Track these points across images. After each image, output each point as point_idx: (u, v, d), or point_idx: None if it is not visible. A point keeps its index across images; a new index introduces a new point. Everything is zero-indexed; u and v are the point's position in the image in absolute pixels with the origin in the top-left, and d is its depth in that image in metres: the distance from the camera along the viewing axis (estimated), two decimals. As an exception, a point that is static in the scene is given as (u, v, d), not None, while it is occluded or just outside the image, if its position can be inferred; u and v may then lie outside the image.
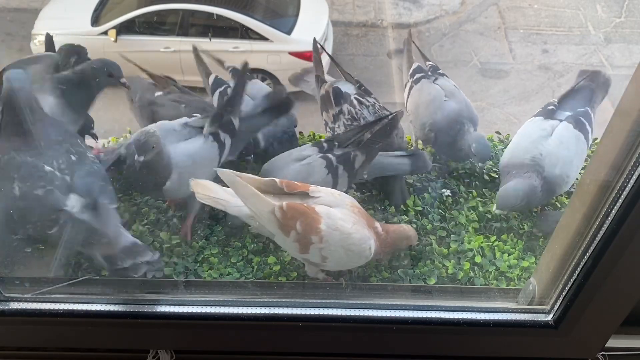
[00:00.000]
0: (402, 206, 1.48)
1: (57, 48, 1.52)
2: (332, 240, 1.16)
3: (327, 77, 1.61)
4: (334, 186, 1.33)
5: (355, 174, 1.37)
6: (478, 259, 1.36)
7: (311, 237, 1.15)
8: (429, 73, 1.63)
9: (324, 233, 1.15)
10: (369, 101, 1.51)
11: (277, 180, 1.18)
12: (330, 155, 1.35)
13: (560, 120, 1.44)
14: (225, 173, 1.14)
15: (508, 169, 1.41)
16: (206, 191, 1.20)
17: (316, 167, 1.33)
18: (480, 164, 1.54)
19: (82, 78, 1.37)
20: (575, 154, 1.40)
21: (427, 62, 1.67)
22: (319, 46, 1.64)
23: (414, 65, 1.66)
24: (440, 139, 1.53)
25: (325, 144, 1.38)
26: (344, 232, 1.16)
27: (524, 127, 1.49)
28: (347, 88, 1.56)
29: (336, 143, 1.38)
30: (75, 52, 1.60)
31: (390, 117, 1.41)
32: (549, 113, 1.47)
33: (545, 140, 1.40)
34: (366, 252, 1.19)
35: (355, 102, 1.50)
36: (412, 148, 1.60)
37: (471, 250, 1.38)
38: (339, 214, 1.18)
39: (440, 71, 1.64)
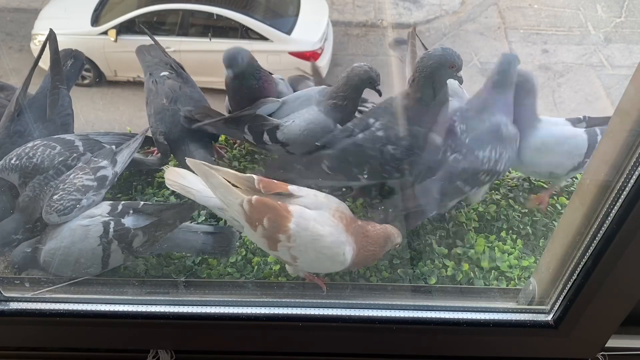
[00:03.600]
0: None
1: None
2: (300, 241, 1.13)
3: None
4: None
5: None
6: (481, 263, 1.36)
7: (278, 235, 1.12)
8: None
9: (292, 232, 1.12)
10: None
11: (255, 178, 1.17)
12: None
13: None
14: (194, 163, 1.13)
15: None
16: (178, 178, 1.20)
17: None
18: None
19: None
20: None
21: None
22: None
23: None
24: None
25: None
26: (315, 234, 1.13)
27: None
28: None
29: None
30: (72, 56, 1.60)
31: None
32: None
33: None
34: (340, 257, 1.15)
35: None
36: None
37: (475, 252, 1.38)
38: (315, 215, 1.15)
39: None
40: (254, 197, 1.13)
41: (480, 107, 1.35)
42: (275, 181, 1.19)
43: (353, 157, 1.33)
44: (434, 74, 1.25)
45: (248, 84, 1.45)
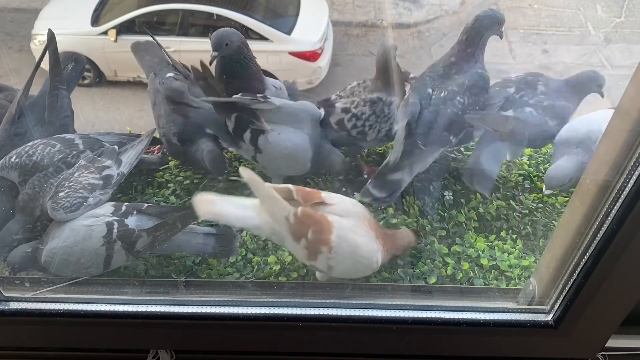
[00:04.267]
0: (402, 206, 1.48)
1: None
2: (340, 251, 1.15)
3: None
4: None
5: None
6: (481, 260, 1.36)
7: (321, 246, 1.14)
8: None
9: (334, 244, 1.14)
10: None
11: (293, 189, 1.18)
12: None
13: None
14: (247, 172, 1.13)
15: (560, 146, 1.43)
16: (209, 206, 1.18)
17: None
18: None
19: None
20: None
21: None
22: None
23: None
24: None
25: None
26: (354, 245, 1.16)
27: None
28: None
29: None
30: (73, 59, 1.59)
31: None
32: None
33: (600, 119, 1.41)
34: (373, 264, 1.19)
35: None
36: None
37: (475, 250, 1.38)
38: (351, 224, 1.17)
39: None
40: (300, 209, 1.14)
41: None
42: (309, 190, 1.20)
43: (441, 121, 1.40)
44: (487, 30, 1.41)
45: (231, 70, 1.44)
